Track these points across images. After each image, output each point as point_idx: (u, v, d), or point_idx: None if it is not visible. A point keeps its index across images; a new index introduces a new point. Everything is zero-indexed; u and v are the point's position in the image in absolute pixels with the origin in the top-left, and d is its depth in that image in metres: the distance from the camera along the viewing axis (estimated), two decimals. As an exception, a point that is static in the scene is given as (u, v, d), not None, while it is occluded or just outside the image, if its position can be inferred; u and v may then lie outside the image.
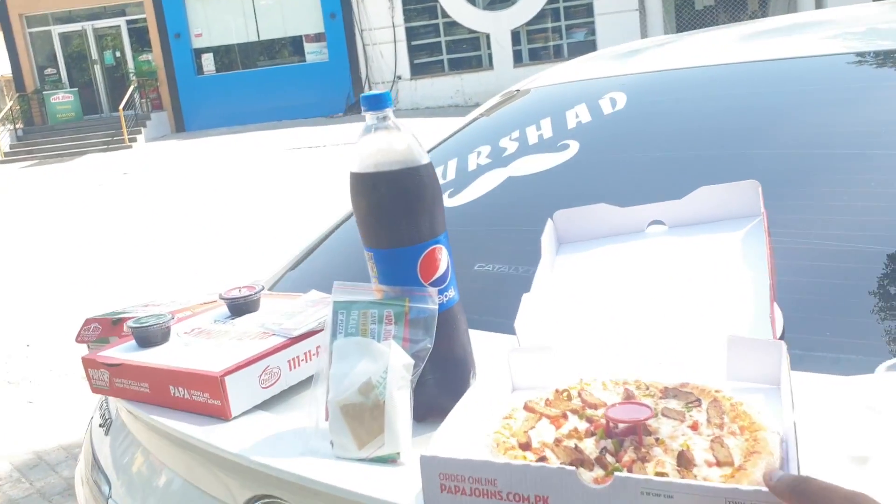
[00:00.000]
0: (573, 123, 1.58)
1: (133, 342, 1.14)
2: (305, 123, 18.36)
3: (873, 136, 1.22)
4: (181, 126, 20.69)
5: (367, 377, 0.86)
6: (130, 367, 1.07)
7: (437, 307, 0.91)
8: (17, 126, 20.55)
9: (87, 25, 20.84)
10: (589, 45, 17.33)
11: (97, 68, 21.22)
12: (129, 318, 1.25)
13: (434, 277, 0.94)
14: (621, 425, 0.76)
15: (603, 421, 0.79)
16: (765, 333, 0.90)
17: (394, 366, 0.86)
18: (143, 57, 20.72)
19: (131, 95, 19.48)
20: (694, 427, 0.77)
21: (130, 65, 20.83)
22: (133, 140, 18.47)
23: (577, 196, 1.37)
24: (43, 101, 20.43)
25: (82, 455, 1.40)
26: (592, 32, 18.60)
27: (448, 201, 1.51)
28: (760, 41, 1.74)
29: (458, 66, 19.62)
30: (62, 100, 20.27)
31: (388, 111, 0.92)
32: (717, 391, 0.82)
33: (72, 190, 12.83)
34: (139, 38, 20.80)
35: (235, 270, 5.65)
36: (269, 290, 1.51)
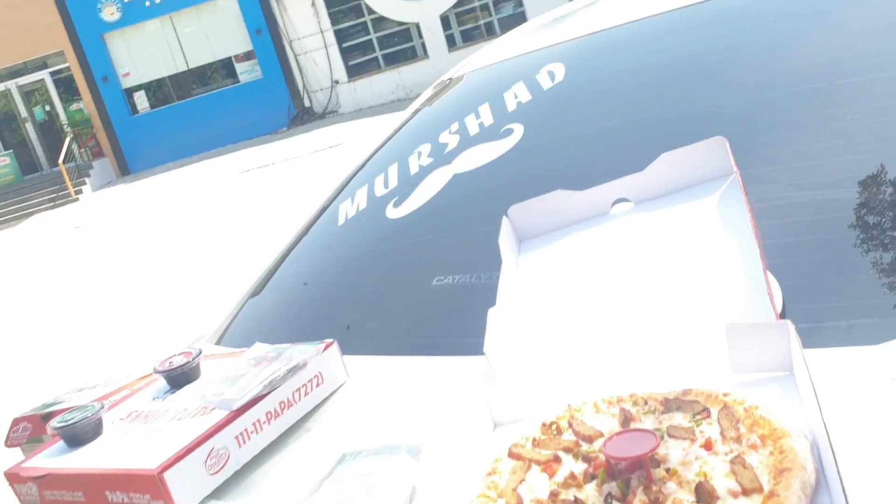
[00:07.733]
0: (513, 105, 1.46)
1: (62, 443, 1.00)
2: (251, 144, 18.11)
3: (841, 64, 1.11)
4: (125, 169, 20.27)
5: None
6: (59, 476, 0.93)
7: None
8: (-44, 199, 20.02)
9: (11, 84, 20.27)
10: (519, 17, 17.16)
11: (29, 126, 20.63)
12: (61, 412, 1.11)
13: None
14: (624, 462, 0.64)
15: (602, 458, 0.67)
16: (764, 312, 0.79)
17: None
18: (74, 106, 20.18)
19: (69, 147, 19.00)
20: (707, 446, 0.65)
21: (63, 116, 20.32)
22: (79, 192, 18.04)
23: (531, 185, 1.25)
24: (-22, 169, 19.89)
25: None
26: (521, 4, 18.44)
27: (393, 211, 1.38)
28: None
29: (393, 60, 19.39)
30: (-1, 164, 19.76)
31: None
32: (725, 395, 0.70)
33: (25, 251, 12.48)
34: (66, 87, 20.27)
35: (195, 319, 5.42)
36: (216, 343, 1.37)
